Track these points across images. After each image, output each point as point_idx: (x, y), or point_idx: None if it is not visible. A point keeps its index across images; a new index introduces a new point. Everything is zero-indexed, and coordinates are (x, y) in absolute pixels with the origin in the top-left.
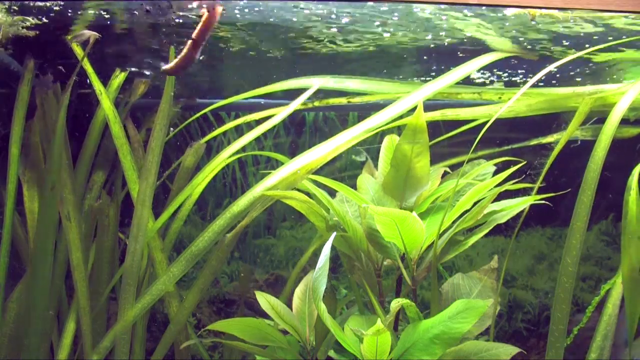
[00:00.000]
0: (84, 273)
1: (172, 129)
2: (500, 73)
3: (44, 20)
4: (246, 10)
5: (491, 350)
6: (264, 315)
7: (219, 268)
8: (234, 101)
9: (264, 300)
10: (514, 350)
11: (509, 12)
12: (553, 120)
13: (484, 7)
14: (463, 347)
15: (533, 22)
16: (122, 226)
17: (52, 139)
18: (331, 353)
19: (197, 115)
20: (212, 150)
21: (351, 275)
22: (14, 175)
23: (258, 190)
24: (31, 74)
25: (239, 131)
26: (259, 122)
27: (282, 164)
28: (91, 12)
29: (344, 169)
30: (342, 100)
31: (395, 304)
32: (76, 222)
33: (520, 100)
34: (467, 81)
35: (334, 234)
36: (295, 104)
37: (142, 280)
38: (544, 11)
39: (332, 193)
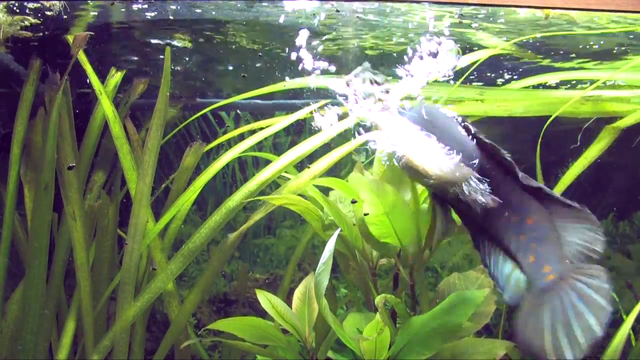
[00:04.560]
0: (88, 272)
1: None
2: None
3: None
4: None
5: (487, 345)
6: (263, 315)
7: (220, 269)
8: (234, 101)
9: (264, 298)
10: (509, 344)
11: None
12: None
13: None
14: (460, 343)
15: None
16: (124, 226)
17: (46, 139)
18: (329, 353)
19: (198, 115)
20: (212, 149)
21: (347, 275)
22: (15, 176)
23: (253, 184)
24: (36, 74)
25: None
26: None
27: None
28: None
29: (347, 170)
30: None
31: (379, 299)
32: (81, 222)
33: (518, 101)
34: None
35: (339, 229)
36: (300, 114)
37: (141, 280)
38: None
39: (324, 194)
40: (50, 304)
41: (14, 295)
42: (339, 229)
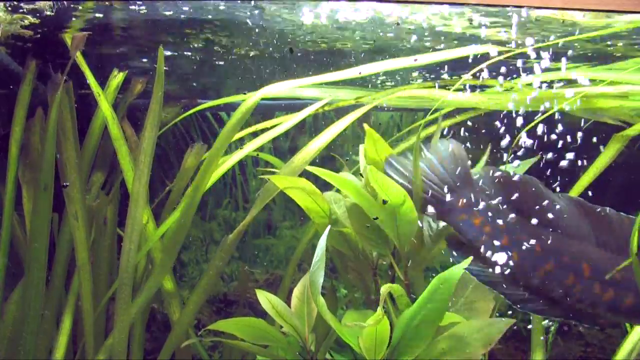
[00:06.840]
0: (90, 272)
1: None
2: None
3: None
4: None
5: (483, 329)
6: (263, 315)
7: (222, 268)
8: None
9: (264, 298)
10: (508, 322)
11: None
12: None
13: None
14: (454, 331)
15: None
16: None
17: (45, 139)
18: (328, 355)
19: (184, 115)
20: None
21: (346, 275)
22: (13, 176)
23: None
24: (33, 74)
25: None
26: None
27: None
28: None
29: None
30: (350, 101)
31: (385, 289)
32: (83, 222)
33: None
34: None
35: (329, 227)
36: (303, 115)
37: (139, 281)
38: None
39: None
40: (51, 304)
41: (13, 295)
42: (328, 228)
